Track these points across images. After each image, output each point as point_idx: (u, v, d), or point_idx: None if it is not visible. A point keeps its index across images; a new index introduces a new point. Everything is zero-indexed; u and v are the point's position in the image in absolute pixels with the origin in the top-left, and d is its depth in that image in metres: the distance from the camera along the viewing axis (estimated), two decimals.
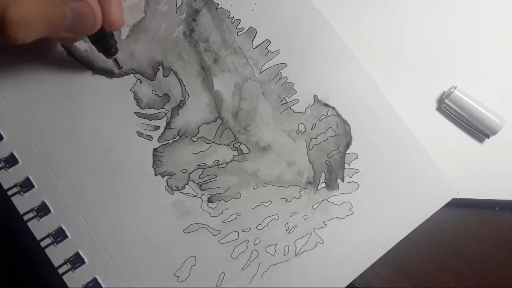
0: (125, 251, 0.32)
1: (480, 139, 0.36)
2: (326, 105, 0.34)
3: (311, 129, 0.34)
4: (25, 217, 0.31)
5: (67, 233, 0.31)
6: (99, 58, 0.32)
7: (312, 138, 0.34)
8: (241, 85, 0.33)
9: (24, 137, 0.31)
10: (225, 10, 0.33)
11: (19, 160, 0.31)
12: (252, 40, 0.34)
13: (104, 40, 0.28)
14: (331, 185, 0.34)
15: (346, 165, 0.34)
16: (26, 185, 0.31)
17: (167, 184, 0.32)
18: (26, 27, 0.22)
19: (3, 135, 0.31)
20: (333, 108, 0.34)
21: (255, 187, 0.33)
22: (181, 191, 0.33)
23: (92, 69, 0.32)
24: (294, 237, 0.34)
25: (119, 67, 0.31)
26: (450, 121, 0.36)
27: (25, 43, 0.23)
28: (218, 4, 0.33)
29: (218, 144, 0.33)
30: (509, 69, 0.36)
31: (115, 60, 0.31)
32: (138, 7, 0.32)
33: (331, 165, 0.34)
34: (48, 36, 0.25)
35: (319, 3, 0.34)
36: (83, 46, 0.31)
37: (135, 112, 0.32)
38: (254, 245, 0.33)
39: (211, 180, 0.33)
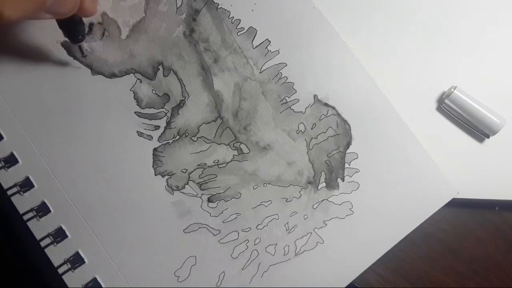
0: (125, 250, 0.32)
1: (480, 139, 0.36)
2: (326, 104, 0.34)
3: (311, 128, 0.34)
4: (25, 217, 0.31)
5: (67, 233, 0.31)
6: (99, 58, 0.32)
7: (312, 137, 0.34)
8: (241, 85, 0.33)
9: (24, 137, 0.31)
10: (225, 10, 0.33)
11: (19, 160, 0.31)
12: (252, 40, 0.34)
13: (73, 25, 0.29)
14: (331, 184, 0.34)
15: (346, 165, 0.34)
16: (26, 185, 0.31)
17: (167, 184, 0.32)
18: (14, 3, 0.23)
19: (3, 135, 0.31)
20: (333, 108, 0.34)
21: (255, 187, 0.33)
22: (181, 191, 0.33)
23: (92, 68, 0.32)
24: (294, 237, 0.34)
25: (83, 55, 0.31)
26: (450, 121, 0.36)
27: (9, 22, 0.23)
28: (218, 4, 0.33)
29: (218, 144, 0.33)
30: (509, 69, 0.36)
31: (80, 48, 0.31)
32: (138, 7, 0.32)
33: (331, 165, 0.34)
34: (27, 19, 0.25)
35: (319, 3, 0.34)
36: (83, 46, 0.31)
37: (135, 112, 0.32)
38: (254, 245, 0.33)
39: (211, 179, 0.33)
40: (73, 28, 0.29)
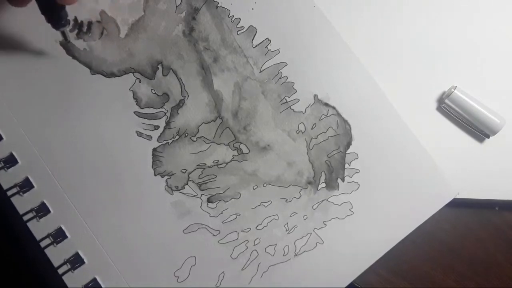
0: (125, 251, 0.32)
1: (480, 139, 0.36)
2: (326, 104, 0.34)
3: (311, 128, 0.34)
4: (25, 217, 0.31)
5: (67, 233, 0.31)
6: (98, 57, 0.32)
7: (312, 137, 0.34)
8: (241, 85, 0.33)
9: (24, 137, 0.31)
10: (225, 8, 0.33)
11: (18, 160, 0.31)
12: (252, 39, 0.33)
13: (54, 10, 0.28)
14: (331, 185, 0.34)
15: (346, 165, 0.34)
16: (25, 185, 0.31)
17: (167, 184, 0.32)
18: None
19: (3, 135, 0.31)
20: (334, 108, 0.34)
21: (255, 187, 0.33)
22: (181, 191, 0.33)
23: (91, 68, 0.32)
24: (294, 237, 0.34)
25: (67, 40, 0.31)
26: (450, 121, 0.36)
27: None
28: (218, 3, 0.33)
29: (217, 144, 0.33)
30: (509, 69, 0.36)
31: (63, 33, 0.30)
32: (137, 6, 0.32)
33: (331, 165, 0.34)
34: None
35: (320, 2, 0.34)
36: (82, 45, 0.31)
37: (134, 112, 0.32)
38: (254, 245, 0.33)
39: (210, 180, 0.33)
40: (53, 13, 0.28)
